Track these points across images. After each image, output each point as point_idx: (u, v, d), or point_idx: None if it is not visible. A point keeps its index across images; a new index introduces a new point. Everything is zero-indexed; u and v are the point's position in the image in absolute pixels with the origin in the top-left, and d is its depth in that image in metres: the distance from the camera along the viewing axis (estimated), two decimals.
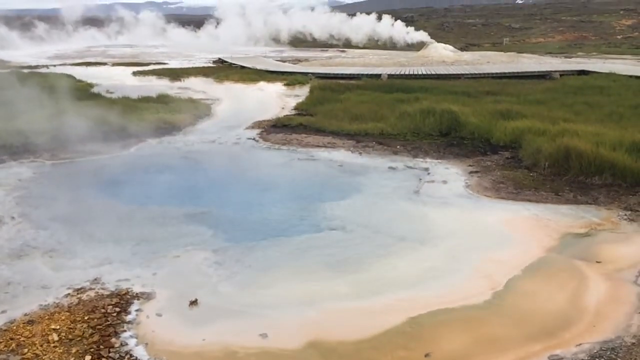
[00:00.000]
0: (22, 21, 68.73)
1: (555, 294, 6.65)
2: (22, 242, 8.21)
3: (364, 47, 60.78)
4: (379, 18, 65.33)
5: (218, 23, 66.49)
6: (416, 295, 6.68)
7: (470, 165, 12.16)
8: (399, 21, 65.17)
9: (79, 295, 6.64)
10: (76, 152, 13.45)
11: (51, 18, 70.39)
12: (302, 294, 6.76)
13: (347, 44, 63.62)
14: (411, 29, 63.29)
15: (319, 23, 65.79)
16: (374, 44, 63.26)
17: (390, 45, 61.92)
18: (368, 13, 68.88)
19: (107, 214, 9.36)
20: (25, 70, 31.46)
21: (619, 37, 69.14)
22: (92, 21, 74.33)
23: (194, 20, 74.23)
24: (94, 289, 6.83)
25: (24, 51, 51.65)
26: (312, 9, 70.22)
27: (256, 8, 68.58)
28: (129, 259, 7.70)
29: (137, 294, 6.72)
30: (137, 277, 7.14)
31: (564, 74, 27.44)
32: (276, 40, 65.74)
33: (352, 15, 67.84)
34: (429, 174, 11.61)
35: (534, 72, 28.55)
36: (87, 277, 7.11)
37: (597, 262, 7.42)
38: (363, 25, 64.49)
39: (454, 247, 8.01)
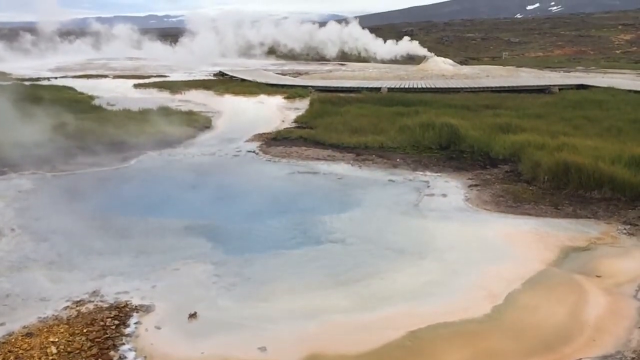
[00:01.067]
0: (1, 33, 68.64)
1: (555, 308, 6.65)
2: (22, 254, 8.20)
3: (340, 60, 61.31)
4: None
5: (194, 36, 66.75)
6: (416, 309, 6.67)
7: (469, 179, 12.19)
8: (366, 30, 65.39)
9: (78, 308, 6.63)
10: (76, 165, 13.48)
11: (30, 31, 69.87)
12: (302, 307, 6.75)
13: (322, 58, 64.10)
14: (397, 41, 63.26)
15: (293, 35, 66.09)
16: (348, 56, 63.73)
17: (364, 57, 62.39)
18: (338, 21, 69.20)
19: (107, 226, 9.37)
20: (27, 83, 31.62)
21: (617, 51, 69.59)
22: (66, 34, 74.28)
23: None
24: (93, 301, 6.82)
25: (18, 64, 51.68)
26: (285, 18, 71.13)
27: (228, 20, 69.01)
28: (128, 271, 7.69)
29: (136, 306, 6.70)
30: (136, 290, 7.13)
31: (563, 88, 27.58)
32: (249, 52, 66.40)
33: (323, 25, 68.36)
34: (428, 187, 11.64)
35: (533, 86, 28.69)
36: (87, 290, 7.09)
37: (596, 276, 7.42)
38: (333, 37, 64.71)
39: (454, 261, 8.01)
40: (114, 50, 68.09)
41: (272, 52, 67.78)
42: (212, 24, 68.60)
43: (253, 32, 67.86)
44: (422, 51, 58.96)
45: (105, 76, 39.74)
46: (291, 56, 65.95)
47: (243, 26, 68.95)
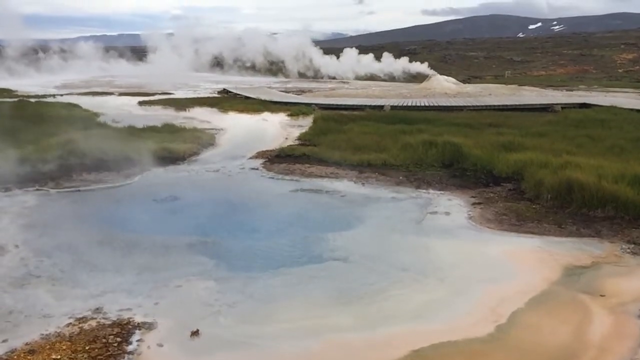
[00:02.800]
0: None
1: (559, 327, 6.61)
2: (25, 271, 8.21)
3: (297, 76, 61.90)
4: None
5: (154, 53, 66.56)
6: (419, 328, 6.64)
7: (472, 197, 12.18)
8: (311, 45, 66.13)
9: (80, 325, 6.61)
10: (80, 181, 13.53)
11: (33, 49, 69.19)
12: (305, 325, 6.72)
13: (285, 75, 64.57)
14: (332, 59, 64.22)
15: (255, 49, 66.61)
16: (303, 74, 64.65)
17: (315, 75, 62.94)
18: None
19: (110, 243, 9.38)
20: (32, 100, 31.88)
21: (620, 70, 69.90)
22: (71, 52, 74.11)
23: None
24: (95, 318, 6.80)
25: (24, 81, 51.75)
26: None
27: (185, 36, 69.00)
28: (131, 288, 7.69)
29: (138, 323, 6.68)
30: (138, 307, 7.12)
31: (565, 106, 27.66)
32: (210, 68, 67.05)
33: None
34: (431, 205, 11.64)
35: (536, 104, 28.81)
36: (89, 307, 7.09)
37: (600, 295, 7.38)
38: (291, 52, 65.20)
39: (457, 279, 7.98)
40: (88, 68, 67.39)
41: (240, 66, 69.04)
42: (170, 41, 68.27)
43: (212, 46, 68.23)
44: (387, 68, 59.73)
45: (111, 93, 40.03)
46: (255, 71, 67.12)
47: (202, 41, 69.14)
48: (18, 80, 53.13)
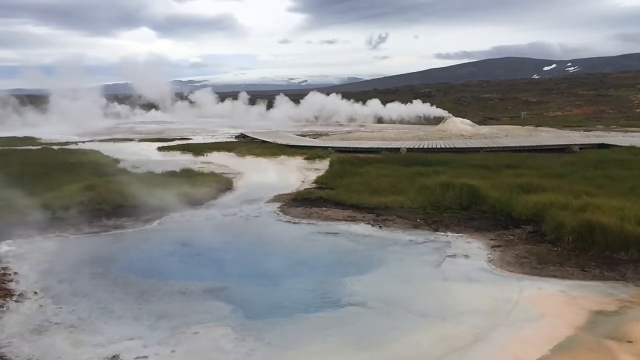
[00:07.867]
0: None
1: None
2: (44, 318, 8.22)
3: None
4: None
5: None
6: None
7: (492, 240, 12.02)
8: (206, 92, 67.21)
9: None
10: (100, 227, 13.67)
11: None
12: None
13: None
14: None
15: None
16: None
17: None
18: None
19: (128, 290, 9.39)
20: (55, 147, 32.64)
21: (637, 110, 69.56)
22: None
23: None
24: None
25: (46, 129, 52.48)
26: (305, 81, 74.34)
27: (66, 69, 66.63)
28: (148, 335, 7.64)
29: None
30: (155, 355, 7.05)
31: (583, 147, 27.54)
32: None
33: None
34: (450, 248, 11.50)
35: (554, 145, 28.69)
36: (106, 355, 7.04)
37: (628, 342, 7.14)
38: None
39: (478, 325, 7.80)
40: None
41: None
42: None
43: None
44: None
45: (131, 140, 40.85)
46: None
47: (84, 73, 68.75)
48: (44, 128, 54.00)
